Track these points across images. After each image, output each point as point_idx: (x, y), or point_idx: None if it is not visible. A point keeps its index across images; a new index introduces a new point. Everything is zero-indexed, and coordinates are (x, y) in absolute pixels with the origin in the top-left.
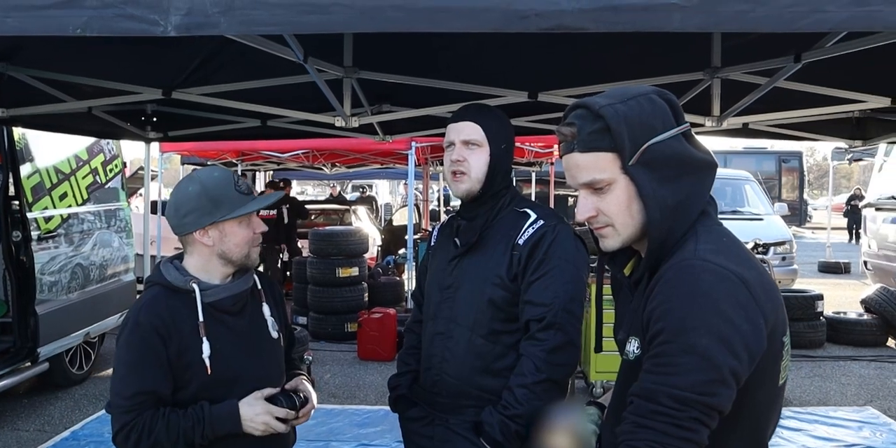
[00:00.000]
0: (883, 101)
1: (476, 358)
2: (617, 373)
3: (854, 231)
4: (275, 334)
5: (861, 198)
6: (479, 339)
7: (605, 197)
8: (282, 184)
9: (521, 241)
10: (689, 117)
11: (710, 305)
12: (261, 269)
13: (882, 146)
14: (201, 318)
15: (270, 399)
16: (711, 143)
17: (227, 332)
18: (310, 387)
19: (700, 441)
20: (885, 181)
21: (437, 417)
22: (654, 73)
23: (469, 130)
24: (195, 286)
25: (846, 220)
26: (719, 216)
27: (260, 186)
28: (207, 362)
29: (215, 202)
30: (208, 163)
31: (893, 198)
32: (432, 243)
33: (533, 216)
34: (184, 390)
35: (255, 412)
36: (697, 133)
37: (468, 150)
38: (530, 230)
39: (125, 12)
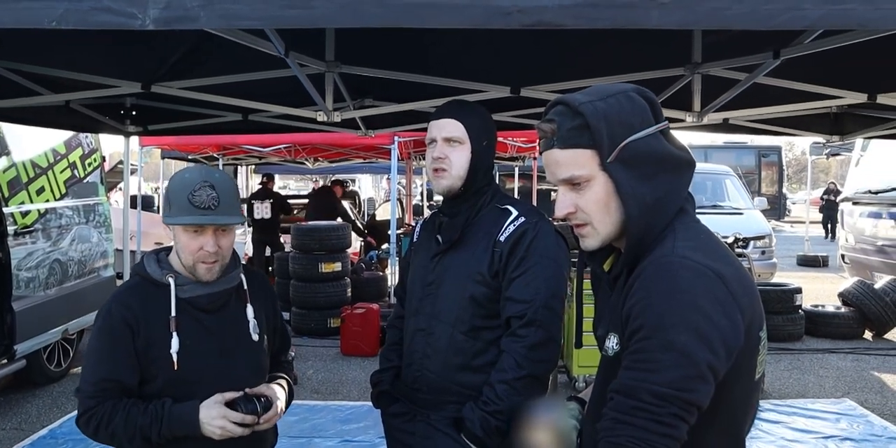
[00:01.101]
0: (860, 97)
1: (457, 354)
2: (597, 368)
3: (830, 226)
4: (255, 336)
5: (836, 192)
6: (460, 336)
7: (583, 193)
8: (265, 179)
9: (502, 238)
10: (670, 113)
11: (688, 302)
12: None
13: (859, 141)
14: (174, 313)
15: (231, 403)
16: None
17: (199, 329)
18: (279, 391)
19: (679, 436)
20: (862, 176)
21: (419, 413)
22: (636, 69)
23: (450, 127)
24: (171, 280)
25: (821, 215)
26: (700, 211)
27: (241, 180)
28: (175, 357)
29: (168, 203)
30: (189, 157)
31: (870, 192)
32: (414, 239)
33: (514, 213)
34: (150, 384)
35: (212, 416)
36: (678, 128)
37: (449, 147)
38: (511, 227)
39: (102, 5)
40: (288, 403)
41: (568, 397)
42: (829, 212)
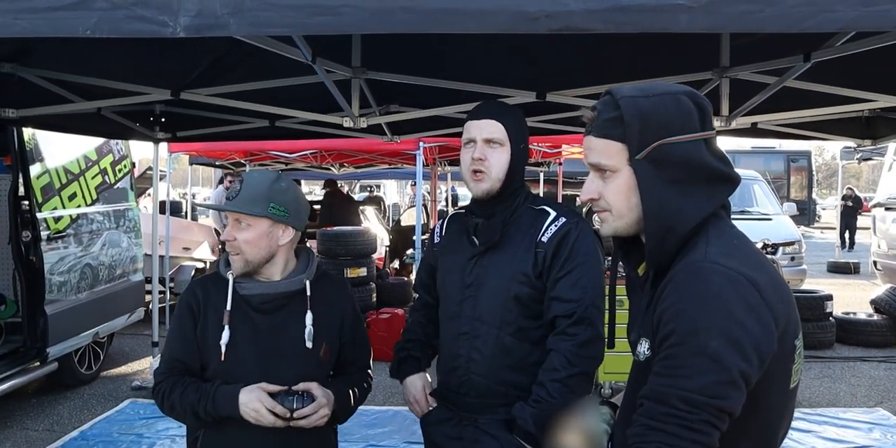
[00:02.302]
0: (892, 100)
1: (505, 356)
2: (628, 373)
3: (849, 235)
4: (309, 344)
5: (853, 198)
6: (508, 338)
7: (608, 183)
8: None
9: (545, 239)
10: None
11: (721, 308)
12: None
13: (892, 145)
14: (228, 307)
15: (274, 394)
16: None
17: (249, 328)
18: (331, 395)
19: (710, 443)
20: (895, 180)
21: (465, 418)
22: (663, 73)
23: (491, 129)
24: (230, 276)
25: (838, 223)
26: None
27: None
28: (223, 349)
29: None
30: (216, 163)
31: None
32: (436, 239)
33: (553, 213)
34: (207, 370)
35: (249, 398)
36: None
37: (489, 148)
38: (553, 228)
39: (135, 14)
40: (349, 411)
41: (600, 401)
42: (848, 219)
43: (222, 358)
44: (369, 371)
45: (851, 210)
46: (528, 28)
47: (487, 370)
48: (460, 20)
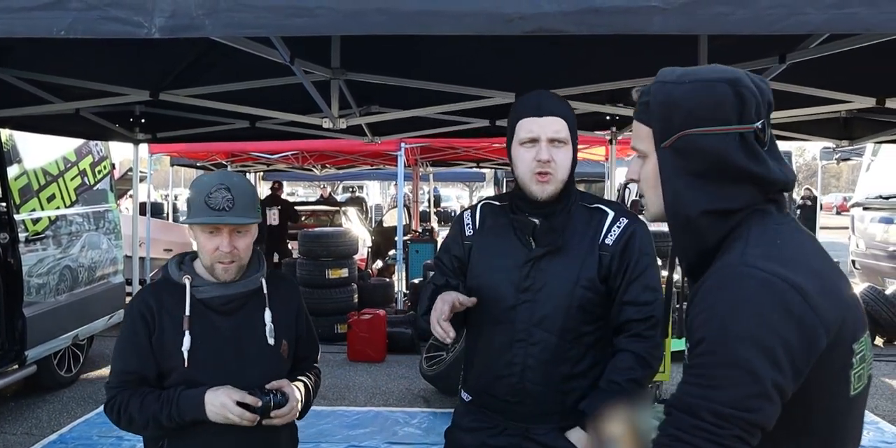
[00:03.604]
0: (868, 102)
1: (563, 362)
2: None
3: None
4: (271, 341)
5: (812, 198)
6: (567, 344)
7: (644, 166)
8: (275, 185)
9: (609, 241)
10: None
11: (754, 314)
12: None
13: (869, 146)
14: (187, 312)
15: (250, 394)
16: None
17: (212, 330)
18: (299, 389)
19: None
20: (873, 180)
21: (511, 426)
22: (642, 74)
23: (557, 127)
24: (186, 281)
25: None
26: None
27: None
28: (185, 355)
29: (188, 204)
30: (198, 164)
31: (881, 197)
32: (467, 232)
33: (611, 213)
34: (167, 379)
35: (216, 396)
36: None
37: (555, 148)
38: (616, 229)
39: (109, 14)
40: (307, 406)
41: (655, 400)
42: (805, 223)
43: (185, 364)
44: (317, 366)
45: (810, 210)
46: (502, 30)
47: (544, 378)
48: (436, 22)
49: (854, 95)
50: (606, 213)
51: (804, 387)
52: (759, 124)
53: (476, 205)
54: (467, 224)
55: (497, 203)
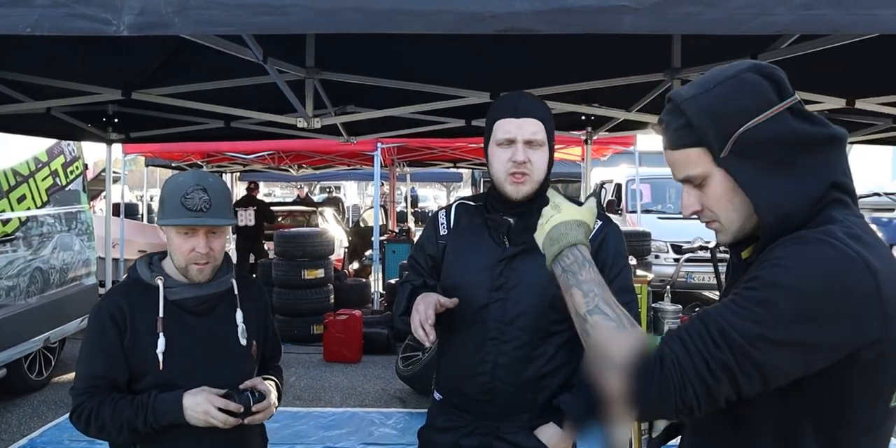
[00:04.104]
0: (838, 102)
1: (534, 361)
2: None
3: None
4: (243, 341)
5: None
6: (538, 342)
7: (705, 191)
8: (251, 186)
9: None
10: (650, 118)
11: (816, 275)
12: None
13: None
14: (161, 314)
15: (225, 395)
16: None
17: (186, 331)
18: (271, 387)
19: (714, 391)
20: None
21: (482, 426)
22: (616, 74)
23: (533, 129)
24: (159, 282)
25: None
26: (672, 216)
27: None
28: (160, 357)
29: (162, 206)
30: (173, 165)
31: None
32: (442, 231)
33: None
34: (140, 382)
35: (197, 401)
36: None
37: (531, 149)
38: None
39: (76, 11)
40: (277, 405)
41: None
42: None
43: (160, 367)
44: (279, 365)
45: None
46: (474, 28)
47: (515, 376)
48: (408, 20)
49: (825, 96)
50: None
51: (848, 378)
52: (794, 97)
53: (451, 204)
54: (442, 223)
55: (472, 203)
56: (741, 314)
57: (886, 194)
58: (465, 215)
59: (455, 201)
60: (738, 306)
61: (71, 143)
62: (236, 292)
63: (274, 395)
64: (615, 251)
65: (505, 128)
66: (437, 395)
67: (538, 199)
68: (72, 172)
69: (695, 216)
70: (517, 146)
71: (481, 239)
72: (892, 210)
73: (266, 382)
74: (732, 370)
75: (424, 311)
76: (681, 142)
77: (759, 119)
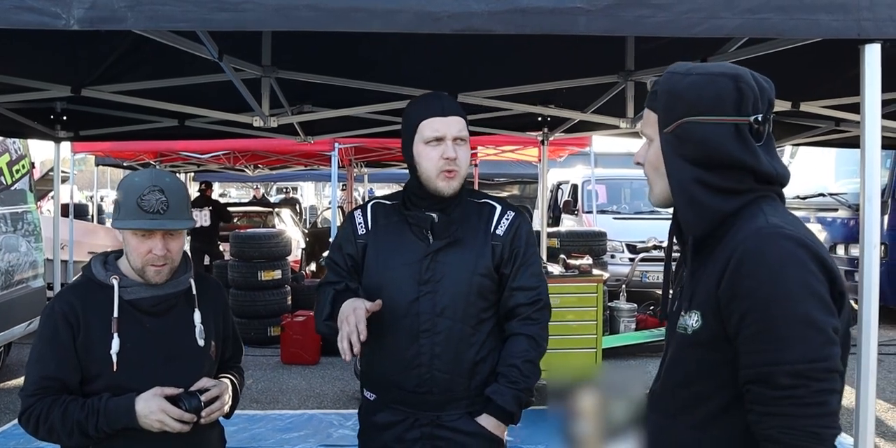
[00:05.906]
0: (784, 105)
1: (467, 349)
2: (665, 348)
3: None
4: (201, 342)
5: None
6: (469, 329)
7: (649, 150)
8: (203, 186)
9: (499, 232)
10: (605, 119)
11: (799, 267)
12: None
13: (788, 148)
14: (116, 314)
15: (174, 398)
16: (627, 145)
17: (142, 332)
18: (225, 386)
19: (830, 410)
20: (791, 181)
21: (422, 417)
22: (572, 76)
23: (460, 126)
24: (114, 281)
25: None
26: (634, 216)
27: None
28: (114, 358)
29: (118, 206)
30: (124, 164)
31: (799, 197)
32: (360, 231)
33: (499, 207)
34: (92, 384)
35: (150, 409)
36: (613, 134)
37: (458, 146)
38: (505, 221)
39: (25, 4)
40: (234, 403)
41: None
42: None
43: (114, 368)
44: (240, 366)
45: None
46: (431, 28)
47: (451, 365)
48: (365, 18)
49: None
50: (495, 207)
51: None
52: (754, 118)
53: (365, 204)
54: (359, 223)
55: (387, 202)
56: (783, 346)
57: (830, 195)
58: (382, 215)
59: (369, 200)
60: (775, 341)
61: (17, 140)
62: (194, 292)
63: (228, 394)
64: (527, 239)
65: (433, 126)
66: (368, 395)
67: (461, 193)
68: (17, 171)
69: (639, 167)
70: (447, 143)
71: (402, 236)
72: (835, 210)
73: (221, 380)
74: (826, 389)
75: (356, 324)
76: (649, 102)
77: (702, 119)
